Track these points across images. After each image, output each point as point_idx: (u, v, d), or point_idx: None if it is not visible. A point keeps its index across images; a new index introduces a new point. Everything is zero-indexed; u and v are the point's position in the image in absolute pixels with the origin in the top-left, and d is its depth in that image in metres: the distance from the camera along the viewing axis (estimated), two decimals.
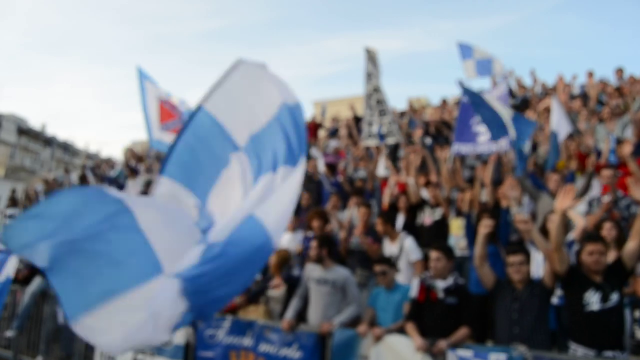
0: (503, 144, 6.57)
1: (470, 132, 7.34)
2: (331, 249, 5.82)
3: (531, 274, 4.74)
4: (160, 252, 3.01)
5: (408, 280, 5.80)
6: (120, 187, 12.68)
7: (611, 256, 4.62)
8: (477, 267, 4.79)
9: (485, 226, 4.80)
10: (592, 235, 4.80)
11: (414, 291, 5.12)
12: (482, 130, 7.15)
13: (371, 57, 8.94)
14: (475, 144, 7.23)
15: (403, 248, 6.16)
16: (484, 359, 4.44)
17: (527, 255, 4.71)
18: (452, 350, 4.60)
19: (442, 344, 4.59)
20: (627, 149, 6.21)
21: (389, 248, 6.29)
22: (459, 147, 7.48)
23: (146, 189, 10.93)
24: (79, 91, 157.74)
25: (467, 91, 6.95)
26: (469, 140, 7.40)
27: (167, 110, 8.84)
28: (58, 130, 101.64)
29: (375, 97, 8.73)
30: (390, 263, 5.55)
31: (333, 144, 12.69)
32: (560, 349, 4.63)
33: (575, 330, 4.36)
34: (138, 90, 8.80)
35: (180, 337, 6.18)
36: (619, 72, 11.63)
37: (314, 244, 5.73)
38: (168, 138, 8.64)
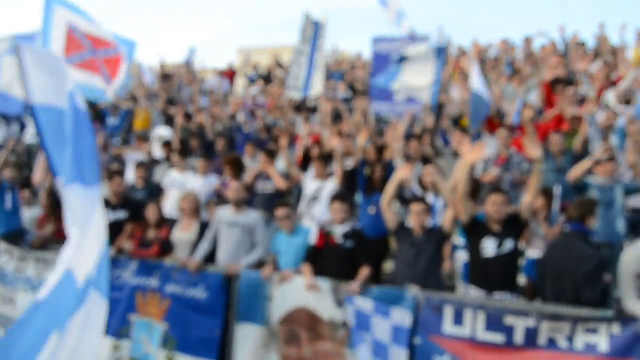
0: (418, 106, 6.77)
1: (386, 90, 7.36)
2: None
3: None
4: None
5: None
6: None
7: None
8: (384, 207, 5.06)
9: (404, 170, 5.11)
10: (496, 187, 5.22)
11: (313, 238, 5.31)
12: (397, 89, 7.23)
13: (310, 24, 8.48)
14: (392, 103, 7.34)
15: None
16: (385, 314, 4.65)
17: (428, 206, 4.99)
18: (351, 302, 4.79)
19: (355, 286, 4.79)
20: (527, 114, 6.72)
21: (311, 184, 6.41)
22: (379, 106, 7.56)
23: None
24: None
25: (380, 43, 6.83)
26: (386, 98, 7.46)
27: (77, 39, 7.05)
28: None
29: (306, 56, 8.41)
30: (293, 207, 5.75)
31: (253, 91, 12.77)
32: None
33: (472, 273, 4.77)
34: (42, 15, 6.99)
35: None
36: (528, 41, 12.27)
37: (235, 186, 5.77)
38: (72, 75, 7.47)
